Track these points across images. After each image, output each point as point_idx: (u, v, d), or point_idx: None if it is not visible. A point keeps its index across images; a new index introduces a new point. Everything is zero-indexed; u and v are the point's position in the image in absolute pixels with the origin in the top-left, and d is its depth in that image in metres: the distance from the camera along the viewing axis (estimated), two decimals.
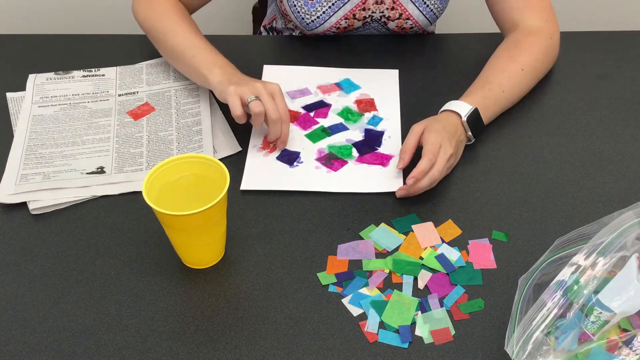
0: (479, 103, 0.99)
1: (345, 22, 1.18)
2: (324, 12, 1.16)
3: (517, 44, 1.07)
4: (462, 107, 0.98)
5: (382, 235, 0.89)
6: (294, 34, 1.28)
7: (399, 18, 1.18)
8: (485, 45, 1.13)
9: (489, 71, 1.05)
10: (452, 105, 0.99)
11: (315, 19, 1.16)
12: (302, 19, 1.17)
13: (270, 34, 1.35)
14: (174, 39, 1.06)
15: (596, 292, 0.69)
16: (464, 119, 0.97)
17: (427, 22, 1.20)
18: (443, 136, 0.93)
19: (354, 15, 1.17)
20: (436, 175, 0.92)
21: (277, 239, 0.89)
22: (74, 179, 0.96)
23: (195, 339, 0.79)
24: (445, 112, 0.99)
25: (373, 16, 1.18)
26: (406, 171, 0.97)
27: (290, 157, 0.99)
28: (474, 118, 0.98)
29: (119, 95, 1.10)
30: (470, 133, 0.98)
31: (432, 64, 1.16)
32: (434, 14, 1.19)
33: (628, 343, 0.68)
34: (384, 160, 0.99)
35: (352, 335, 0.79)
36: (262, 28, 1.38)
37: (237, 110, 0.95)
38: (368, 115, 1.06)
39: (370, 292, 0.83)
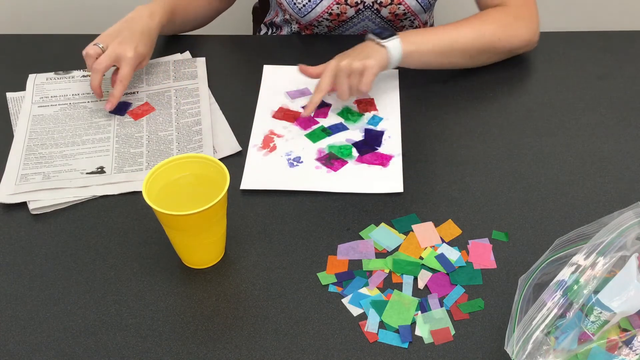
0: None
1: (337, 7, 1.18)
2: None
3: (474, 16, 1.11)
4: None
5: (382, 235, 0.89)
6: (292, 27, 1.27)
7: (391, 3, 1.18)
8: None
9: None
10: None
11: (306, 3, 1.17)
12: (294, 3, 1.17)
13: (270, 29, 1.35)
14: None
15: (596, 292, 0.69)
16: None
17: (420, 9, 1.21)
18: (337, 60, 1.02)
19: (346, 0, 1.17)
20: (342, 98, 1.01)
21: (277, 239, 0.89)
22: (73, 179, 0.96)
23: (195, 339, 0.79)
24: None
25: (365, 2, 1.18)
26: (406, 171, 0.97)
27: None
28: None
29: None
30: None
31: None
32: (427, 0, 1.19)
33: (628, 343, 0.68)
34: (384, 160, 0.99)
35: (352, 335, 0.79)
36: (262, 25, 1.38)
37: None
38: (368, 115, 1.06)
39: (370, 292, 0.83)
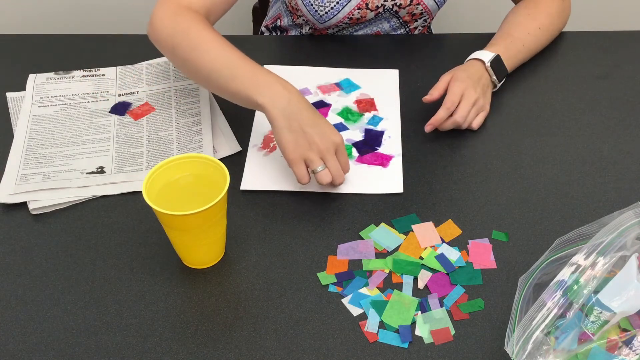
0: (501, 52, 1.08)
1: (358, 12, 1.18)
2: (337, 2, 1.16)
3: (536, 3, 1.15)
4: (485, 54, 1.07)
5: (382, 235, 0.89)
6: (303, 30, 1.27)
7: (409, 4, 1.19)
8: (485, 45, 1.13)
9: (509, 26, 1.14)
10: (476, 54, 1.08)
11: (329, 10, 1.17)
12: (315, 11, 1.17)
13: (274, 33, 1.34)
14: (210, 54, 0.95)
15: (596, 292, 0.69)
16: (488, 64, 1.05)
17: (435, 7, 1.23)
18: (467, 84, 1.01)
19: (367, 4, 1.17)
20: (459, 121, 1.00)
21: (277, 239, 0.89)
22: (73, 179, 0.96)
23: (195, 339, 0.79)
24: (469, 61, 1.07)
25: (385, 5, 1.18)
26: (406, 172, 0.97)
27: None
28: (497, 64, 1.07)
29: (119, 95, 1.10)
30: (494, 77, 1.06)
31: (432, 64, 1.16)
32: None
33: (628, 343, 0.68)
34: (384, 160, 0.99)
35: (352, 335, 0.79)
36: (263, 28, 1.38)
37: (304, 179, 0.90)
38: (368, 115, 1.06)
39: (370, 292, 0.83)
